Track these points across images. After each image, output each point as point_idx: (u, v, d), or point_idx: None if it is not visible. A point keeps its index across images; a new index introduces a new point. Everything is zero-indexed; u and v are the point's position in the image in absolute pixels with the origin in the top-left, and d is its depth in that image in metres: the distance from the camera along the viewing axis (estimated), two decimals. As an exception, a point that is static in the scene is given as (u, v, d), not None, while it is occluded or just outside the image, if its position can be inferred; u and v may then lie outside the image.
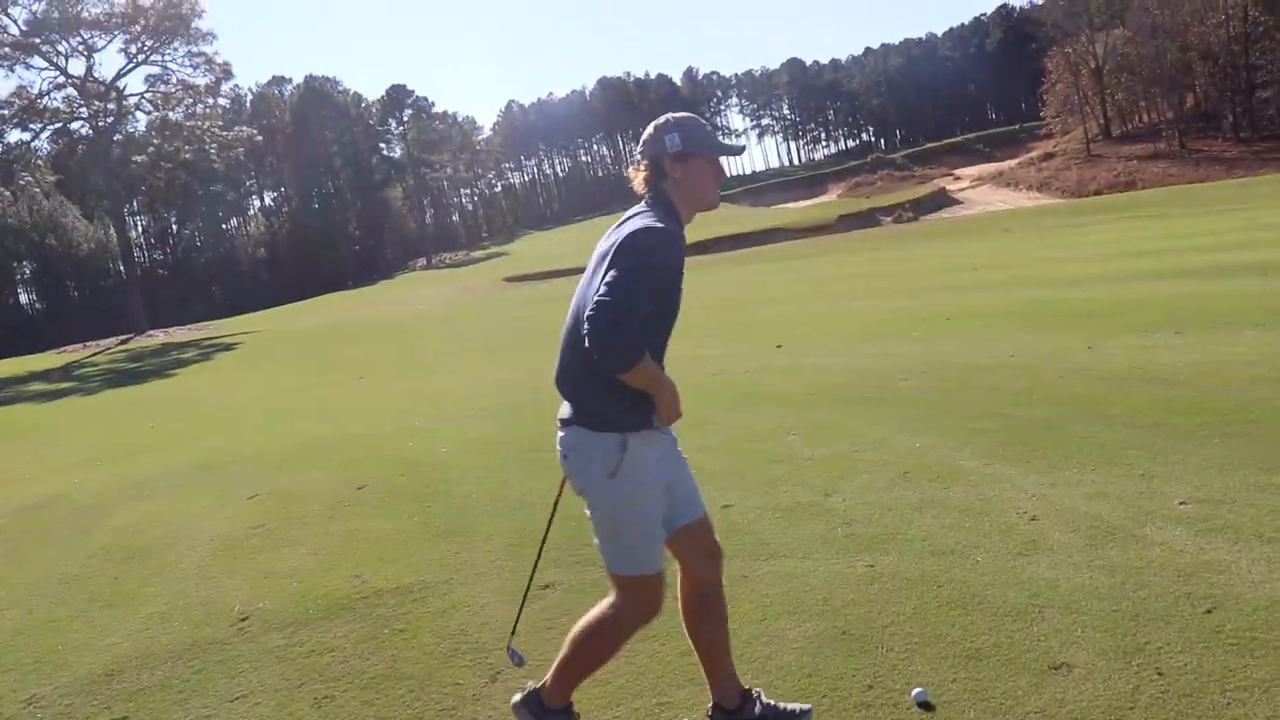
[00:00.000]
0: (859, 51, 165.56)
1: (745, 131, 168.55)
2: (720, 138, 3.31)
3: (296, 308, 64.63)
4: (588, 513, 3.24)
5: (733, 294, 27.22)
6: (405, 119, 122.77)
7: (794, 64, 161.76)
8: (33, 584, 6.54)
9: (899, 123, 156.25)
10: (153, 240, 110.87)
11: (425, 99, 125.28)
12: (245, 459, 10.07)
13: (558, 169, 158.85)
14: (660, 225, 3.05)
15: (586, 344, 2.92)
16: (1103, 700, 3.31)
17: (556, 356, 3.26)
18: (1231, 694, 3.26)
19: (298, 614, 5.12)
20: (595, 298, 2.90)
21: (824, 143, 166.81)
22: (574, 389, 3.20)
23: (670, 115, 3.29)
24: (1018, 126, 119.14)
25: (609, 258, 3.02)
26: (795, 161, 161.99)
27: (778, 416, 8.64)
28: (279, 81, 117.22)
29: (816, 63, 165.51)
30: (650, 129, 3.27)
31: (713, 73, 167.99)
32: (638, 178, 3.28)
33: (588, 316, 2.89)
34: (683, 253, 3.17)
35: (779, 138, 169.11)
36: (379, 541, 6.26)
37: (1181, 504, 5.14)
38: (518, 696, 3.45)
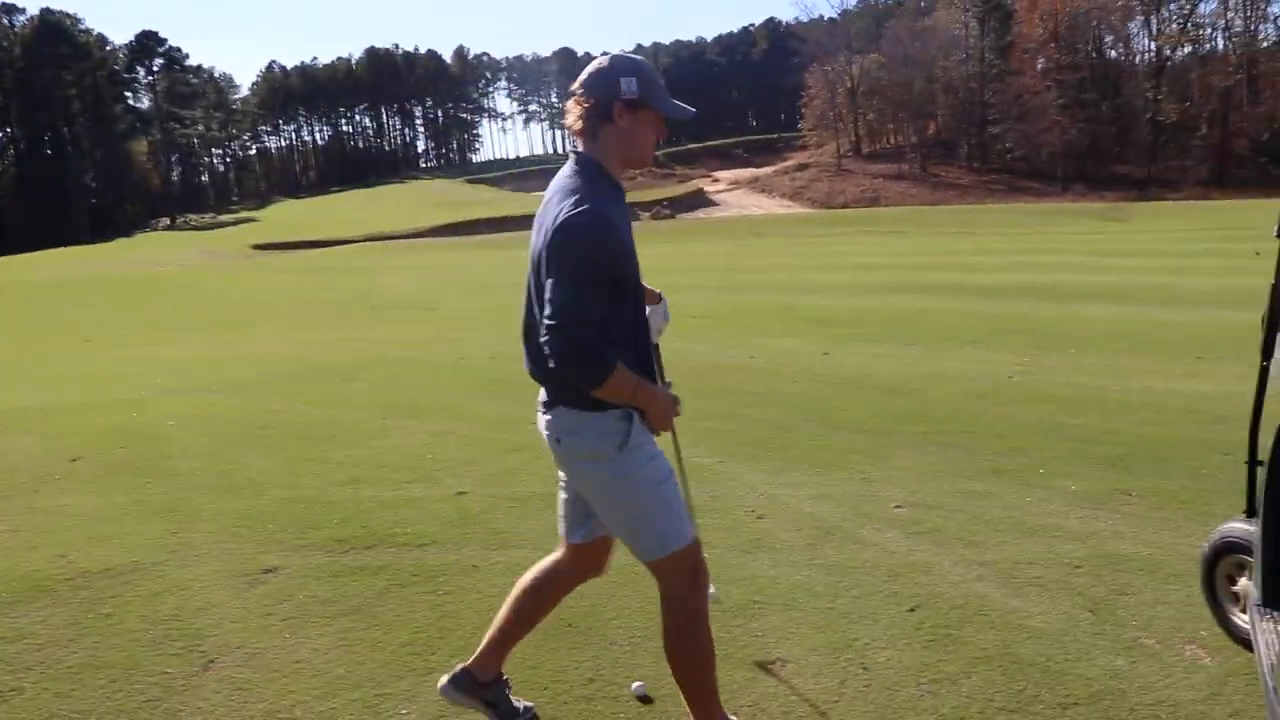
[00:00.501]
0: (630, 48, 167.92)
1: (512, 115, 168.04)
2: (669, 98, 3.07)
3: (20, 260, 59.79)
4: (599, 507, 3.04)
5: (487, 278, 27.03)
6: (155, 69, 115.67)
7: (565, 53, 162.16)
8: None
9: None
10: None
11: (179, 50, 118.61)
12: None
13: (317, 136, 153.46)
14: (586, 205, 2.73)
15: (551, 366, 2.75)
16: (812, 694, 3.47)
17: (522, 342, 3.02)
18: (926, 686, 3.48)
19: (-6, 595, 4.73)
20: (544, 319, 2.69)
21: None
22: (552, 373, 2.87)
23: (624, 54, 3.00)
24: (776, 136, 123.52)
25: (545, 258, 2.79)
26: (560, 150, 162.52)
27: (520, 405, 8.60)
28: (10, 10, 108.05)
29: (588, 54, 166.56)
30: (602, 64, 2.93)
31: (483, 54, 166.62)
32: (574, 113, 2.94)
33: (544, 341, 2.69)
34: (624, 219, 2.95)
35: (545, 124, 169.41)
36: (90, 518, 5.84)
37: (897, 508, 5.46)
38: None
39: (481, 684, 3.28)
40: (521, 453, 6.86)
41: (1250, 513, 3.52)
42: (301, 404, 8.97)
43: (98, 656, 4.01)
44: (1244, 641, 3.61)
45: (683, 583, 3.02)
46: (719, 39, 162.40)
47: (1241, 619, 3.69)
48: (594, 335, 2.67)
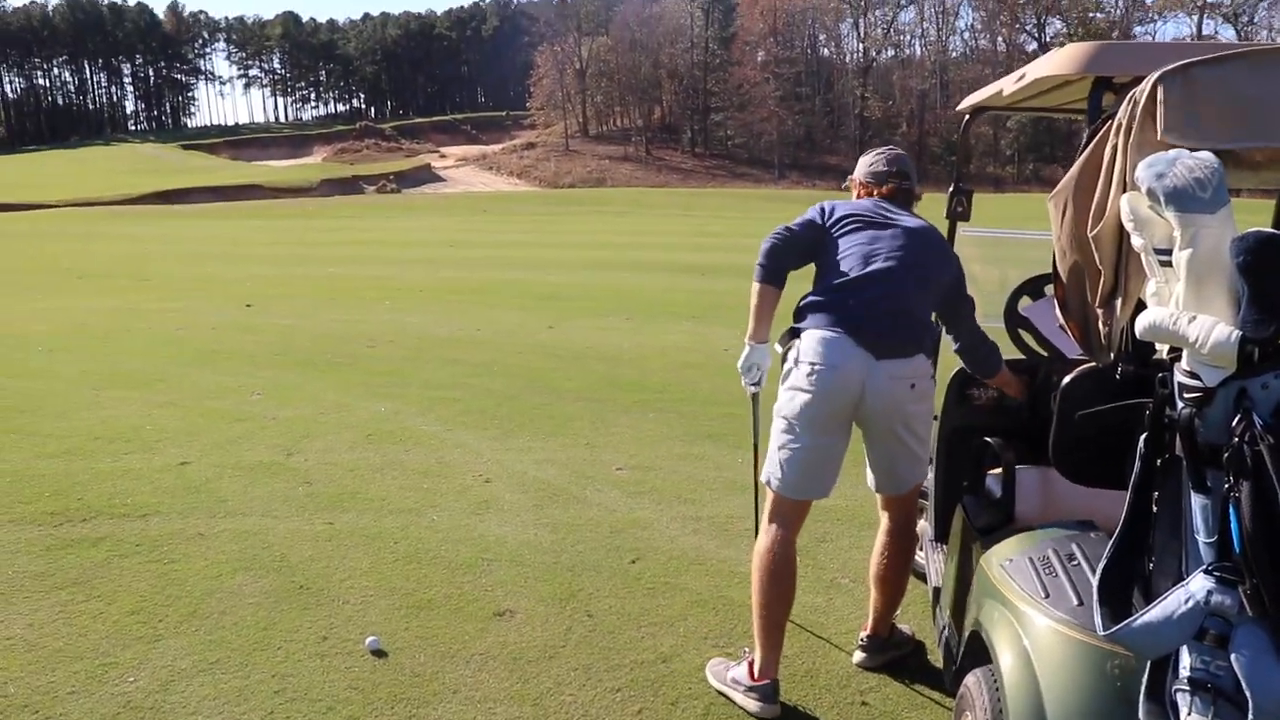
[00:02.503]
0: (358, 16, 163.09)
1: (231, 80, 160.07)
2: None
3: None
4: (909, 442, 3.28)
5: (204, 249, 25.76)
6: None
7: (289, 17, 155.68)
8: None
9: (391, 93, 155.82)
10: None
11: None
12: None
13: (8, 89, 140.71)
14: None
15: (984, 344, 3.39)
16: (539, 641, 3.64)
17: (884, 288, 3.19)
18: (646, 629, 3.73)
19: None
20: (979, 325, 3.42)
21: (314, 103, 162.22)
22: (922, 330, 3.29)
23: (885, 152, 3.64)
24: (505, 114, 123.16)
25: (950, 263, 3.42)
26: (282, 119, 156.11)
27: (243, 376, 8.39)
28: None
29: (314, 20, 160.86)
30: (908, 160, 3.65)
31: (200, 12, 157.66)
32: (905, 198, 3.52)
33: (977, 332, 3.40)
34: None
35: (267, 92, 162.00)
36: None
37: (618, 469, 5.73)
38: (870, 659, 3.54)
39: (889, 642, 3.57)
40: (245, 422, 6.71)
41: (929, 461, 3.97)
42: (3, 373, 8.38)
43: None
44: (920, 575, 4.06)
45: (915, 505, 3.54)
46: (449, 13, 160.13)
47: (920, 557, 4.14)
48: None
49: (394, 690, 3.30)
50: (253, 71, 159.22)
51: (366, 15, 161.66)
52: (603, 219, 40.85)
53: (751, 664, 3.24)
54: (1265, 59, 2.01)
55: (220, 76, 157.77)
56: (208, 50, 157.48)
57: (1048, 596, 2.12)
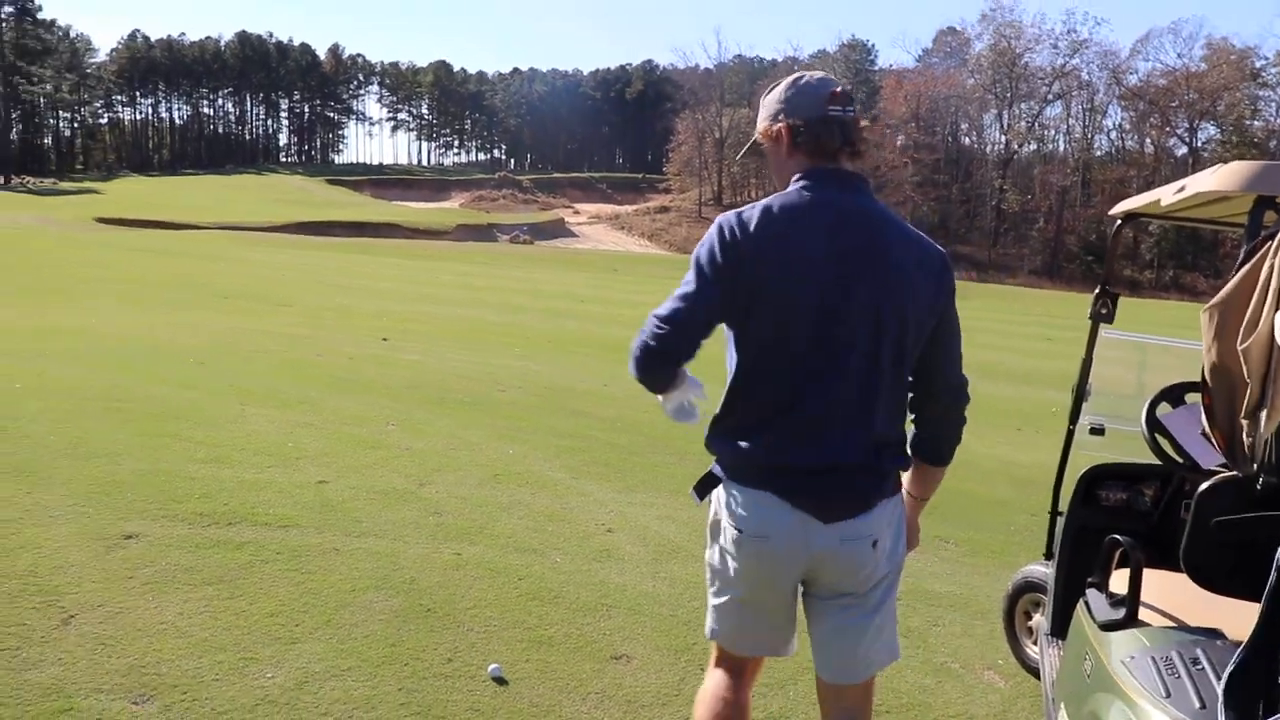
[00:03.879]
0: (507, 70, 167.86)
1: (380, 121, 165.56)
2: None
3: None
4: (871, 614, 2.49)
5: (342, 281, 26.74)
6: (3, 15, 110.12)
7: (441, 66, 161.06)
8: None
9: (532, 147, 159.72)
10: None
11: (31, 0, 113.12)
12: None
13: (175, 115, 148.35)
14: None
15: (946, 429, 2.56)
16: (654, 687, 3.77)
17: (857, 416, 2.36)
18: (758, 690, 3.78)
19: None
20: (961, 372, 2.54)
21: (456, 150, 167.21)
22: (890, 455, 2.44)
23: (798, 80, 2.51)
24: (641, 176, 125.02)
25: (948, 290, 2.49)
26: (425, 163, 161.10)
27: (378, 406, 8.73)
28: None
29: (464, 70, 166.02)
30: (842, 87, 2.49)
31: (359, 55, 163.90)
32: (859, 133, 2.50)
33: (963, 392, 2.54)
34: None
35: (413, 135, 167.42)
36: (-67, 470, 5.75)
37: (736, 534, 5.83)
38: None
39: None
40: (380, 450, 7.01)
41: (1048, 556, 4.01)
42: (154, 382, 8.86)
43: (-50, 602, 4.02)
44: (1034, 670, 4.09)
45: (870, 705, 2.67)
46: (596, 73, 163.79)
47: (1033, 649, 4.17)
48: None
49: (512, 717, 3.46)
50: (401, 115, 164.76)
51: (515, 70, 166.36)
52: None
53: None
54: None
55: (370, 117, 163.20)
56: (361, 92, 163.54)
57: (1169, 696, 2.18)
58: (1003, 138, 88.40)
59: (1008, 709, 3.89)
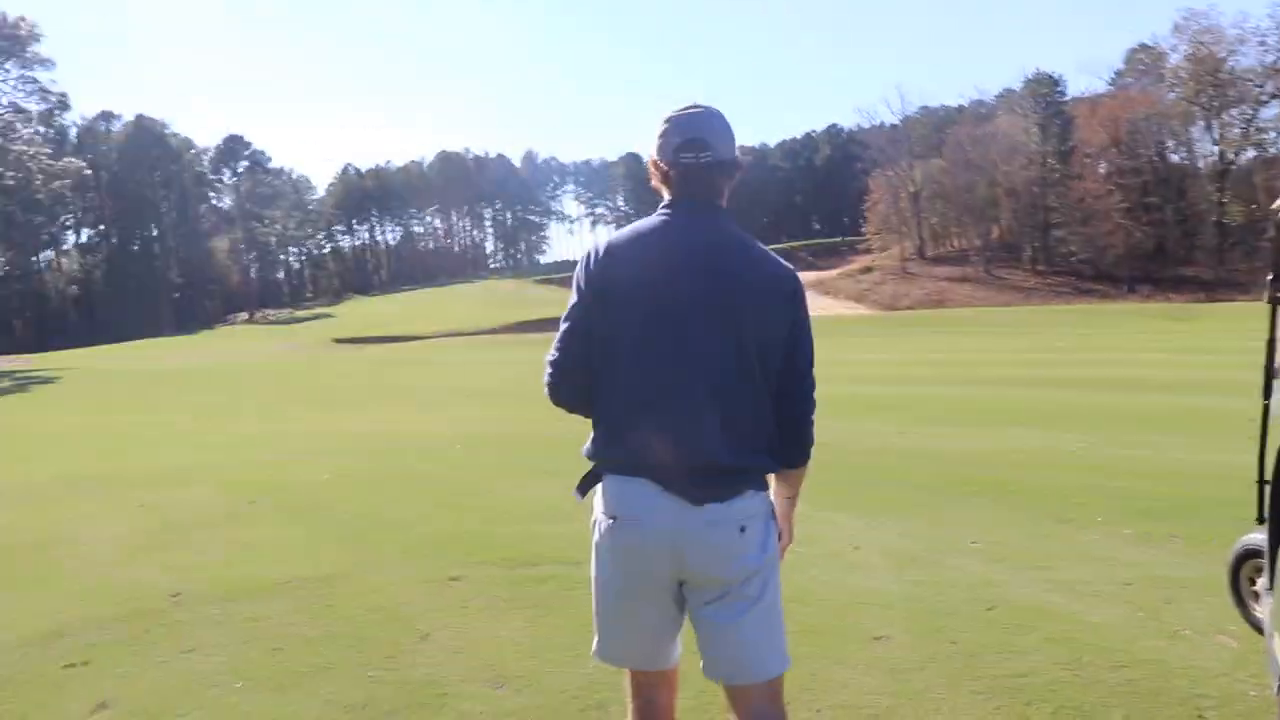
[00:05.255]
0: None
1: (579, 218, 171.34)
2: None
3: (113, 349, 62.39)
4: (746, 613, 2.60)
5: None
6: (239, 170, 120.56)
7: (631, 158, 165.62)
8: (-68, 568, 6.90)
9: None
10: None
11: (262, 153, 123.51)
12: (113, 478, 10.42)
13: (389, 237, 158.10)
14: None
15: (798, 433, 2.66)
16: (912, 658, 4.40)
17: (702, 415, 2.51)
18: (1003, 655, 4.40)
19: (226, 593, 5.79)
20: (810, 381, 2.66)
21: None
22: (753, 444, 2.58)
23: (688, 113, 2.66)
24: (840, 239, 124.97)
25: (798, 306, 2.65)
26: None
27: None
28: (107, 117, 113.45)
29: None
30: (715, 117, 2.65)
31: (551, 158, 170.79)
32: (678, 172, 2.63)
33: (809, 399, 2.66)
34: None
35: (611, 227, 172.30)
36: (282, 543, 6.95)
37: (973, 543, 6.38)
38: None
39: None
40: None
41: (1260, 520, 4.43)
42: (434, 465, 10.08)
43: (332, 631, 5.05)
44: (1262, 630, 4.48)
45: (781, 706, 2.76)
46: (782, 144, 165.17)
47: (1259, 611, 4.56)
48: None
49: (797, 681, 4.16)
50: (598, 209, 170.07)
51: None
52: (943, 338, 40.91)
53: None
54: None
55: (569, 215, 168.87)
56: (558, 192, 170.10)
57: None
58: (1215, 148, 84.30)
59: (1240, 663, 4.31)
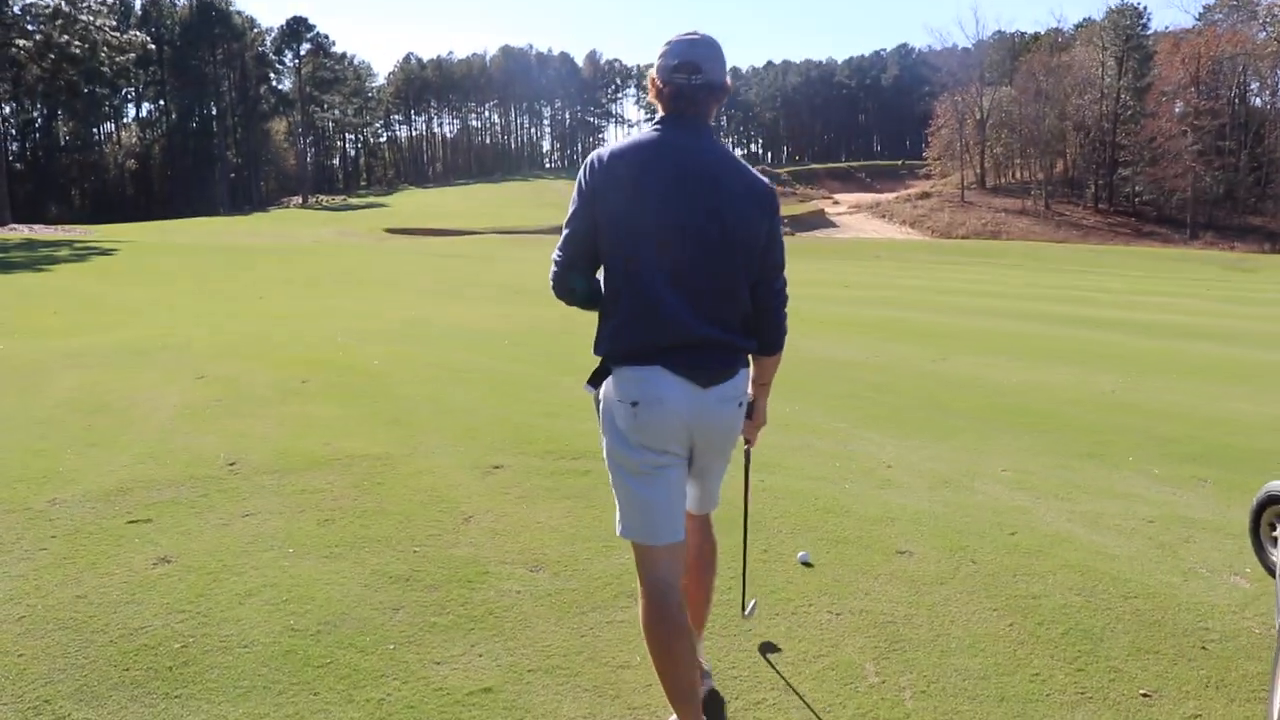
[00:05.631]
0: (760, 65, 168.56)
1: (639, 123, 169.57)
2: None
3: (168, 225, 63.18)
4: (722, 459, 3.16)
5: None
6: (302, 53, 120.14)
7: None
8: (2, 423, 7.26)
9: (788, 139, 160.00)
10: (13, 132, 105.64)
11: (326, 36, 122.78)
12: (174, 348, 10.78)
13: (446, 129, 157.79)
14: None
15: (773, 324, 3.08)
16: (933, 573, 4.59)
17: (681, 302, 2.85)
18: (1020, 577, 4.58)
19: (281, 464, 6.09)
20: (782, 281, 3.08)
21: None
22: (743, 332, 3.01)
23: (687, 39, 3.00)
24: (900, 162, 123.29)
25: (772, 215, 3.00)
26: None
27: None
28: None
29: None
30: (711, 45, 2.99)
31: (615, 59, 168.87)
32: (672, 88, 2.96)
33: (780, 295, 3.08)
34: None
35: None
36: (336, 421, 7.24)
37: (1003, 470, 6.54)
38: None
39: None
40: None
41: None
42: (484, 357, 10.37)
43: (382, 507, 5.32)
44: (1275, 573, 4.62)
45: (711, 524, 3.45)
46: (849, 61, 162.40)
47: (1276, 555, 4.71)
48: None
49: (819, 585, 4.38)
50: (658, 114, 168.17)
51: (769, 63, 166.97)
52: (995, 270, 40.57)
53: None
54: None
55: (629, 119, 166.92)
56: (619, 95, 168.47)
57: None
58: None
59: (1249, 603, 4.46)
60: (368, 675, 3.49)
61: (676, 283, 2.84)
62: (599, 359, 3.01)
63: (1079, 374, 11.15)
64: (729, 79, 3.03)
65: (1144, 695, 3.56)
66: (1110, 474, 6.61)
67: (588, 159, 2.94)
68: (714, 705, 3.40)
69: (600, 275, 2.98)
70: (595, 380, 3.04)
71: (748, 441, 3.57)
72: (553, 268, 3.00)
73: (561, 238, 2.97)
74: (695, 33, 2.96)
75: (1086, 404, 9.25)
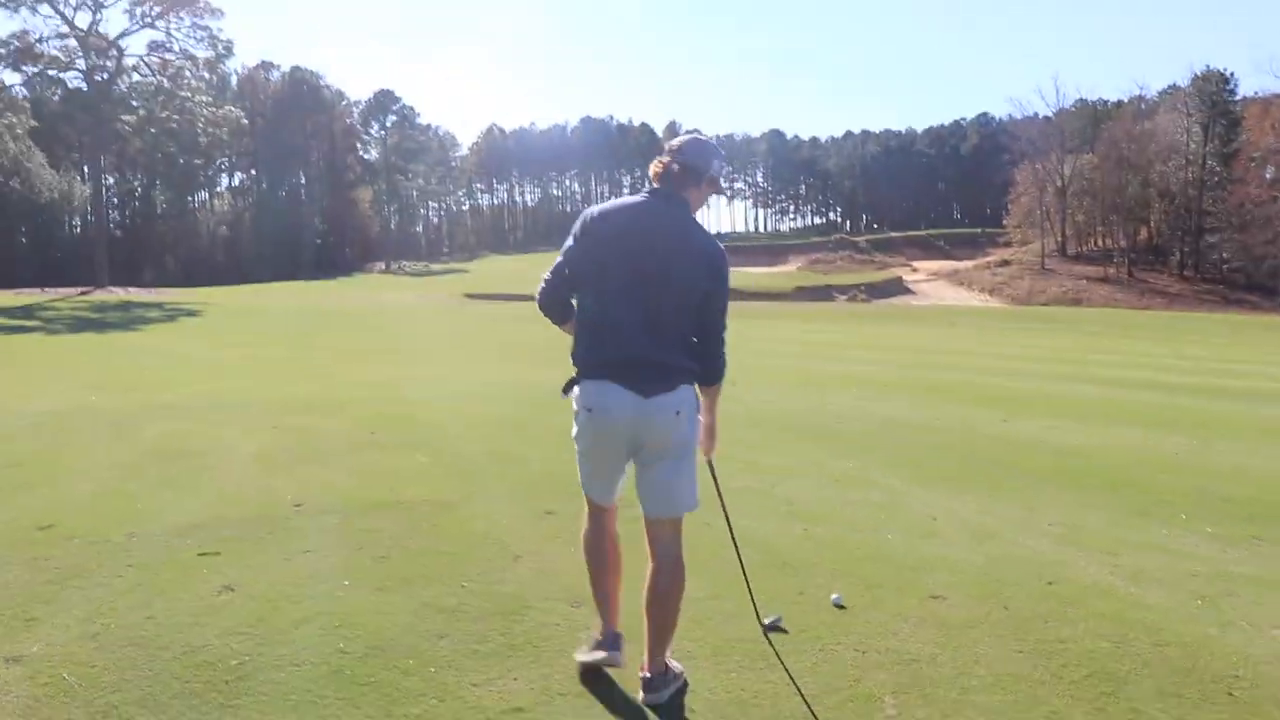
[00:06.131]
0: (839, 134, 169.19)
1: (694, 133, 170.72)
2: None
3: (256, 289, 65.15)
4: (674, 466, 3.80)
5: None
6: (388, 124, 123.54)
7: (774, 135, 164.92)
8: (92, 467, 7.70)
9: (867, 208, 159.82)
10: (115, 200, 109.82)
11: (411, 108, 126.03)
12: (253, 404, 11.24)
13: (527, 198, 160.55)
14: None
15: (711, 360, 3.81)
16: (963, 617, 4.69)
17: (628, 328, 3.65)
18: (1050, 623, 4.65)
19: (345, 507, 6.38)
20: (720, 327, 3.83)
21: (791, 215, 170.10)
22: (682, 354, 3.72)
23: (703, 138, 3.98)
24: (979, 230, 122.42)
25: (714, 278, 3.75)
26: (762, 229, 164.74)
27: (733, 436, 9.92)
28: (266, 66, 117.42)
29: (797, 137, 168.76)
30: (701, 143, 3.91)
31: (695, 129, 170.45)
32: (660, 168, 3.81)
33: (717, 338, 3.82)
34: None
35: (749, 203, 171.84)
36: (401, 471, 7.53)
37: (1050, 525, 6.59)
38: (646, 696, 3.77)
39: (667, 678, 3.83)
40: (735, 462, 8.21)
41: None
42: (544, 413, 10.58)
43: (436, 547, 5.57)
44: None
45: (680, 539, 3.95)
46: (929, 131, 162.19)
47: None
48: None
49: (849, 625, 4.50)
50: (738, 184, 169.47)
51: (848, 133, 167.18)
52: (1073, 337, 40.07)
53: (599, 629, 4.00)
54: None
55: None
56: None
57: None
58: (1395, 161, 79.73)
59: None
60: (408, 694, 3.71)
61: (630, 314, 3.67)
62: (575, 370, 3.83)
63: (1145, 436, 11.07)
64: (715, 169, 3.90)
65: (1161, 734, 3.63)
66: (1160, 530, 6.61)
67: (585, 211, 3.85)
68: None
69: (575, 301, 3.89)
70: (567, 388, 3.89)
71: (706, 453, 4.24)
72: (542, 284, 3.92)
73: (554, 264, 3.88)
74: (695, 131, 4.40)
75: (1149, 465, 9.21)
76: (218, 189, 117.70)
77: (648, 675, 3.80)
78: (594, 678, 3.93)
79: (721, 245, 3.84)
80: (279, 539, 5.68)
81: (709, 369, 3.85)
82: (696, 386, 3.84)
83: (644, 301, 3.66)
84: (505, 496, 6.75)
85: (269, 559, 5.31)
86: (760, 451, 9.04)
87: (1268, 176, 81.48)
